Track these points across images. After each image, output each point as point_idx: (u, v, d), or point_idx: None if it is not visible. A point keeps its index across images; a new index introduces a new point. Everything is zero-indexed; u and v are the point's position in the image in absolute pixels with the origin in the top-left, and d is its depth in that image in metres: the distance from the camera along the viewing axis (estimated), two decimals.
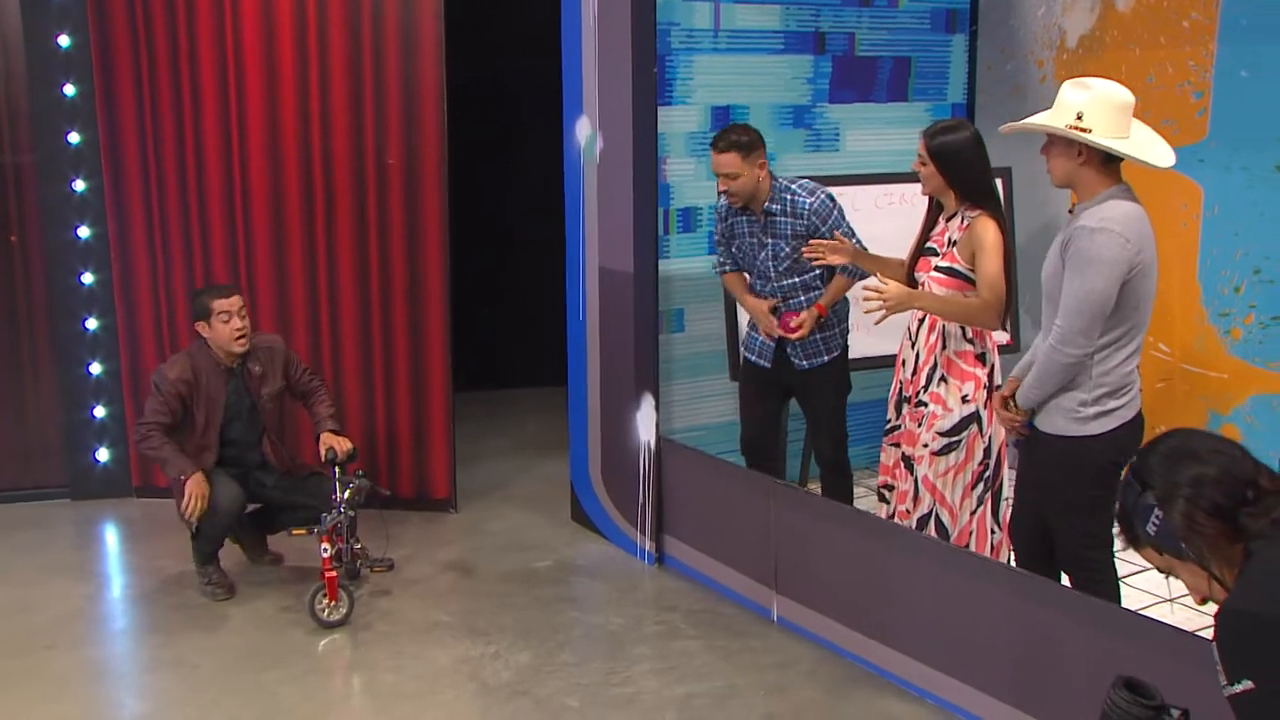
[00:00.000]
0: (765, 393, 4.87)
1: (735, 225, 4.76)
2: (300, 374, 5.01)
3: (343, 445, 4.78)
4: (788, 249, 4.61)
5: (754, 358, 4.84)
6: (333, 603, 4.51)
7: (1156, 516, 2.12)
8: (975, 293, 4.03)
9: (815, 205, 4.58)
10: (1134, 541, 2.21)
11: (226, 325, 4.73)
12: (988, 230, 4.00)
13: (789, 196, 4.60)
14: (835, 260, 4.43)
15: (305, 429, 5.42)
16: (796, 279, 4.67)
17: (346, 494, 4.61)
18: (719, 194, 4.66)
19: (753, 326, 4.84)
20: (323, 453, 4.79)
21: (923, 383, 4.16)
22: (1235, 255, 4.84)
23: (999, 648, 3.67)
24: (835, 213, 4.60)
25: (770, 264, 4.66)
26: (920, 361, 4.18)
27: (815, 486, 5.19)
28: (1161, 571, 2.23)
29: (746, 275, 4.83)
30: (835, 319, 4.71)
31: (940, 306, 4.05)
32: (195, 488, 4.59)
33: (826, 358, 4.71)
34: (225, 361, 4.81)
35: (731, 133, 4.57)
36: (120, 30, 5.68)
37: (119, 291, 5.90)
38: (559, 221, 5.48)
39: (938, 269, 4.10)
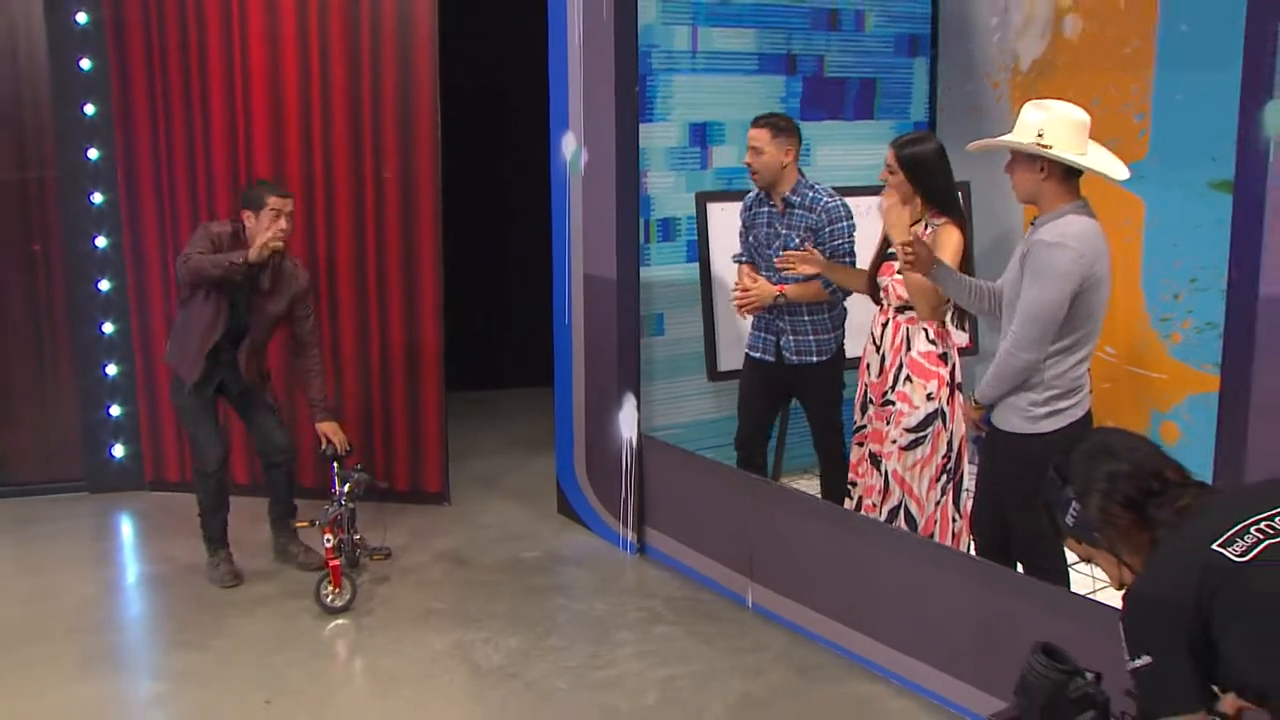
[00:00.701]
0: (764, 390, 4.82)
1: (756, 215, 4.73)
2: (303, 318, 4.81)
3: (340, 439, 4.74)
4: (797, 240, 4.57)
5: (756, 353, 4.78)
6: (336, 589, 4.49)
7: (1074, 509, 2.21)
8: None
9: (831, 205, 4.56)
10: (1057, 532, 2.31)
11: (274, 222, 4.55)
12: (951, 235, 4.03)
13: (810, 192, 4.59)
14: (806, 270, 4.43)
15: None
16: (800, 275, 4.57)
17: (347, 488, 4.59)
18: (746, 165, 4.62)
19: (755, 326, 4.79)
20: (322, 444, 4.75)
21: (890, 383, 4.17)
22: (1174, 265, 4.86)
23: (960, 631, 3.68)
24: (844, 222, 4.57)
25: (781, 254, 4.59)
26: (886, 364, 4.19)
27: (795, 481, 5.21)
28: (1082, 559, 2.30)
29: (754, 270, 4.75)
30: (830, 324, 4.66)
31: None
32: (254, 251, 4.45)
33: (816, 358, 4.64)
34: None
35: (773, 115, 4.62)
36: (137, 56, 5.67)
37: (133, 297, 5.87)
38: (547, 231, 5.47)
39: (902, 272, 4.11)
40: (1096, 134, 3.52)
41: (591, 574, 4.96)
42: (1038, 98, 3.78)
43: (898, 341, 4.15)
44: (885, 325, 4.21)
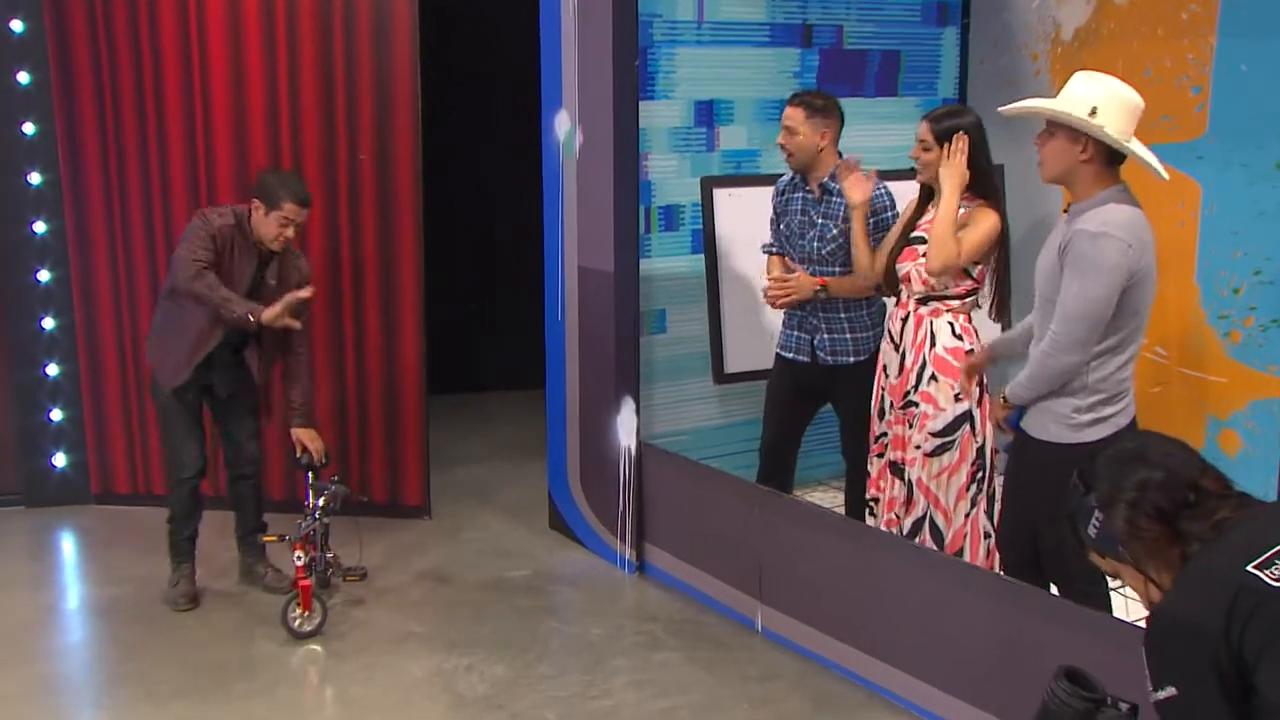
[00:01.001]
0: (796, 393, 4.85)
1: (790, 201, 4.76)
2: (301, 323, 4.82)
3: (317, 447, 4.76)
4: (835, 230, 4.60)
5: (788, 354, 4.81)
6: (306, 613, 4.53)
7: (1097, 519, 2.20)
8: (965, 282, 4.12)
9: (874, 195, 4.55)
10: (1080, 545, 2.29)
11: (281, 228, 4.54)
12: (987, 217, 4.07)
13: None
14: (795, 299, 4.57)
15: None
16: (838, 268, 4.64)
17: (322, 501, 4.63)
18: (780, 145, 4.67)
19: (786, 324, 4.83)
20: (297, 452, 4.78)
21: (911, 382, 4.21)
22: (1234, 255, 4.88)
23: (987, 659, 3.72)
24: (889, 213, 4.60)
25: (816, 244, 4.65)
26: (908, 362, 4.23)
27: (809, 494, 5.25)
28: (1111, 576, 2.31)
29: (788, 261, 4.80)
30: (869, 321, 4.70)
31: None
32: (271, 313, 4.49)
33: (853, 359, 4.67)
34: (259, 245, 4.63)
35: (809, 92, 4.67)
36: (77, 15, 5.69)
37: (78, 289, 5.90)
38: (537, 219, 5.52)
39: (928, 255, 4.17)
40: (1148, 110, 3.53)
41: (585, 595, 5.01)
42: (1081, 70, 3.81)
43: (920, 337, 4.19)
44: (905, 320, 4.25)
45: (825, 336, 4.70)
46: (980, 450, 4.17)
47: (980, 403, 4.15)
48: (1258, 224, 4.78)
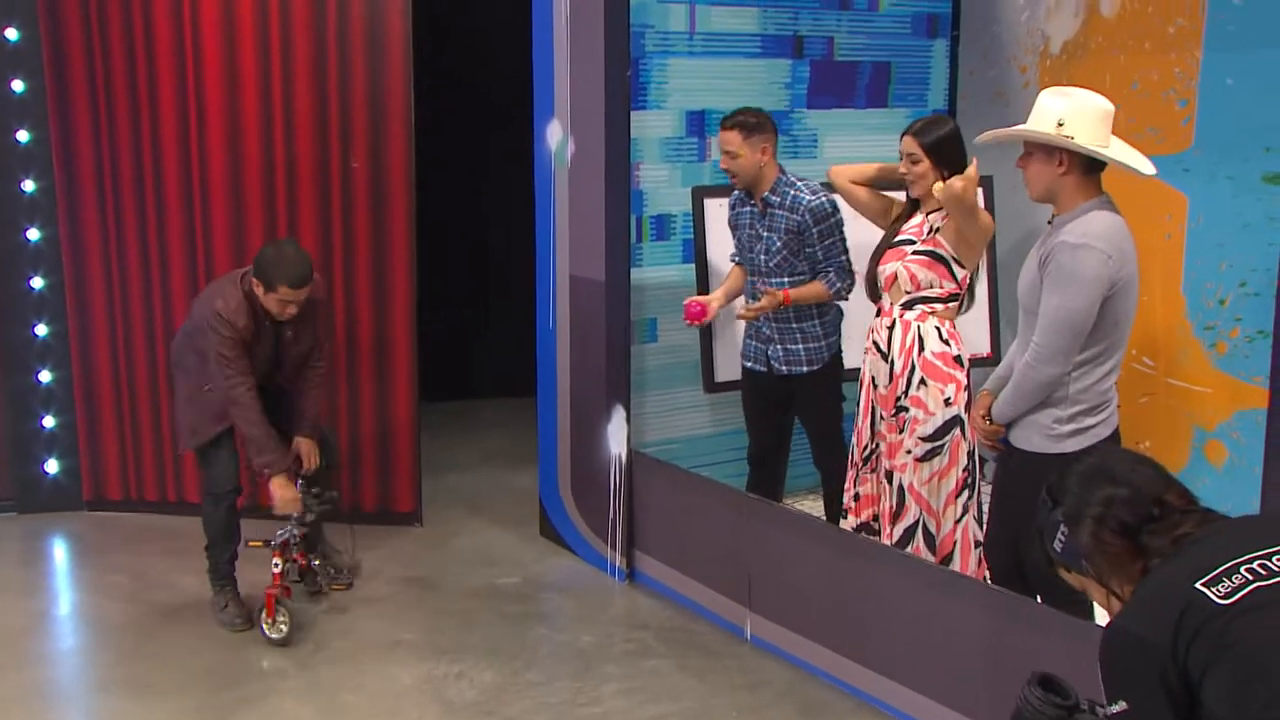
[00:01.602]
0: (766, 402, 4.93)
1: (739, 215, 4.85)
2: (318, 337, 4.89)
3: (313, 462, 4.78)
4: (779, 243, 4.68)
5: (748, 363, 4.92)
6: (270, 619, 4.56)
7: (1063, 534, 2.25)
8: (949, 284, 4.18)
9: (814, 204, 4.64)
10: (1046, 558, 2.34)
11: (281, 308, 4.55)
12: (984, 213, 4.16)
13: (791, 191, 4.68)
14: (767, 310, 4.63)
15: None
16: (786, 278, 4.72)
17: (309, 514, 4.67)
18: (723, 170, 4.77)
19: (746, 333, 4.92)
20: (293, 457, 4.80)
21: (901, 388, 4.25)
22: (1220, 267, 4.91)
23: (975, 667, 3.76)
24: (831, 219, 4.66)
25: (763, 257, 4.73)
26: (897, 369, 4.27)
27: (799, 502, 5.29)
28: (1077, 589, 2.34)
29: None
30: (821, 330, 4.77)
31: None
32: (285, 497, 4.57)
33: (807, 368, 4.75)
34: (271, 317, 4.65)
35: (740, 113, 4.69)
36: (73, 23, 5.71)
37: (71, 296, 5.92)
38: (529, 228, 5.55)
39: (918, 253, 4.21)
40: (1135, 122, 3.58)
41: (575, 602, 5.04)
42: (1069, 82, 3.83)
43: (908, 342, 4.23)
44: (892, 327, 4.29)
45: (779, 346, 4.78)
46: (971, 455, 4.21)
47: (968, 409, 4.19)
48: (1243, 236, 4.82)
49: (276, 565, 4.58)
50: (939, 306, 4.25)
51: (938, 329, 4.21)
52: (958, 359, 4.21)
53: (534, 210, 5.52)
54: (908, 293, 4.25)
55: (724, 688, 4.26)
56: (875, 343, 4.35)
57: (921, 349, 4.21)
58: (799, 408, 4.89)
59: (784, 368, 4.78)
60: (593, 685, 4.28)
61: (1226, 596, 1.98)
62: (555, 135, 5.34)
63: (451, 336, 7.58)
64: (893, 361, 4.26)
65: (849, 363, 4.84)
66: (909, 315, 4.26)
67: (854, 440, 4.50)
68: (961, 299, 4.30)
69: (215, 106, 5.63)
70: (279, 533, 4.62)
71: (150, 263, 5.85)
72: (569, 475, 5.53)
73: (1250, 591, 1.97)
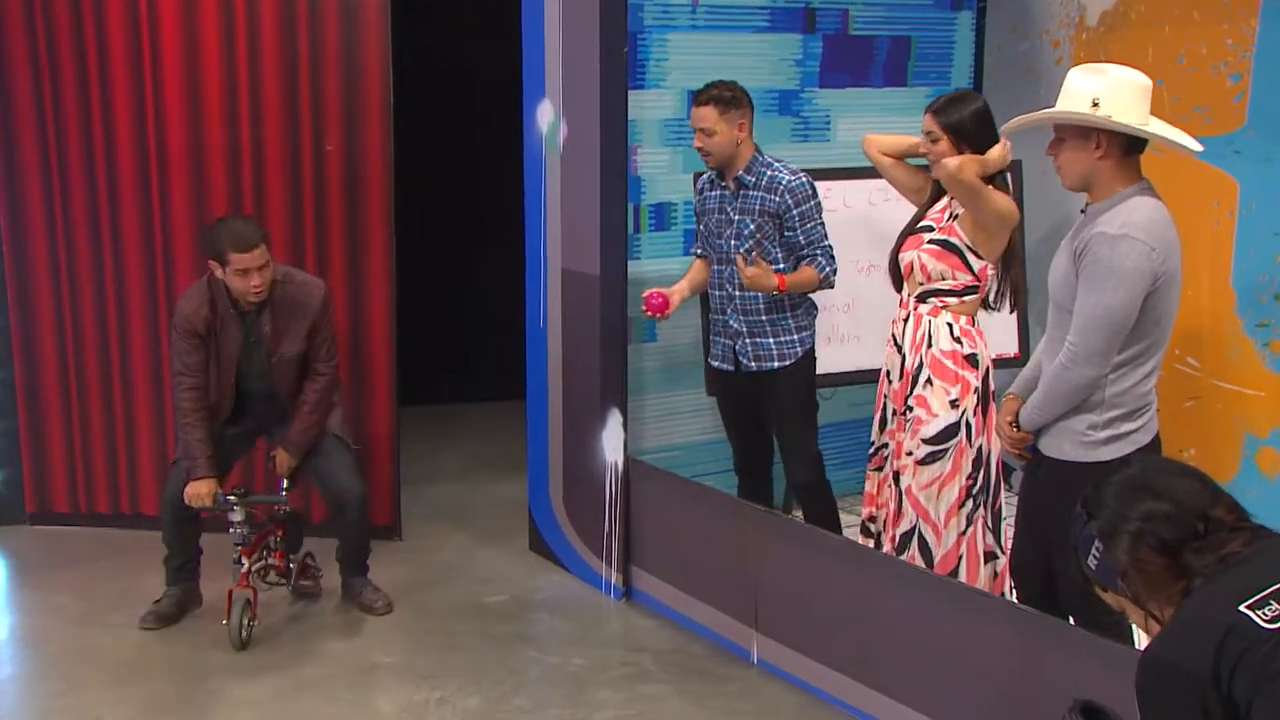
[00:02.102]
0: (740, 405, 4.98)
1: (707, 200, 4.88)
2: (319, 343, 4.90)
3: (285, 471, 4.90)
4: (752, 226, 4.71)
5: (715, 362, 4.96)
6: (224, 622, 4.68)
7: (1098, 550, 2.27)
8: (964, 275, 4.19)
9: (794, 184, 4.68)
10: (1080, 576, 2.37)
11: (243, 280, 4.63)
12: (1011, 204, 4.15)
13: (768, 171, 4.71)
14: (762, 288, 4.63)
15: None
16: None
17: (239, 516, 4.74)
18: (696, 149, 4.78)
19: (711, 331, 4.96)
20: (269, 460, 4.93)
21: (909, 388, 4.28)
22: (1276, 258, 4.91)
23: (1000, 693, 3.77)
24: (812, 202, 4.71)
25: (733, 243, 4.76)
26: (906, 365, 4.29)
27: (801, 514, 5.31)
28: (1115, 608, 2.37)
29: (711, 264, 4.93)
30: (793, 325, 4.79)
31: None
32: (193, 491, 4.68)
33: (778, 364, 4.78)
34: (240, 305, 4.77)
35: (714, 87, 4.70)
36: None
37: (13, 289, 5.90)
38: (518, 217, 5.57)
39: (932, 242, 4.24)
40: (1181, 101, 3.55)
41: (568, 622, 5.06)
42: (1107, 57, 3.81)
43: (918, 338, 4.26)
44: (906, 320, 4.33)
45: (747, 341, 4.81)
46: (977, 463, 4.22)
47: (980, 411, 4.21)
48: None
49: (242, 565, 4.67)
50: (952, 300, 4.26)
51: (950, 325, 4.23)
52: (970, 358, 4.22)
53: (523, 198, 5.53)
54: (920, 284, 4.28)
55: (726, 714, 4.28)
56: (893, 335, 4.39)
57: (929, 345, 4.23)
58: (768, 410, 4.92)
59: (753, 364, 4.81)
60: (585, 712, 4.29)
61: (1273, 621, 2.00)
62: (546, 117, 5.35)
63: (432, 335, 7.58)
64: (904, 356, 4.30)
65: (867, 360, 4.84)
66: (922, 309, 4.29)
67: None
68: (982, 292, 4.30)
69: (173, 79, 5.63)
70: (233, 532, 4.72)
71: (102, 253, 5.85)
72: (560, 485, 5.55)
73: None
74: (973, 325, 4.29)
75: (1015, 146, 4.49)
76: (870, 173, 5.06)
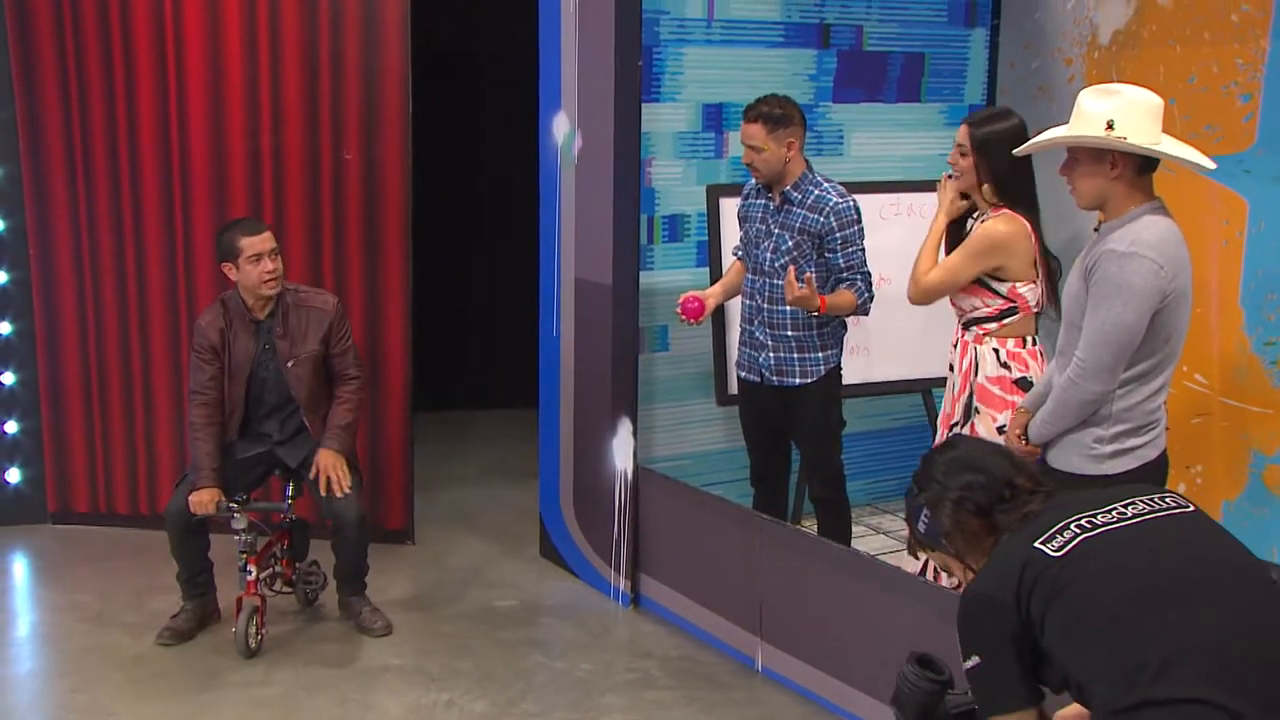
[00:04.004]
0: (761, 416, 4.94)
1: (752, 207, 4.84)
2: (339, 355, 4.90)
3: (343, 483, 4.76)
4: (790, 243, 4.66)
5: (742, 372, 4.92)
6: (234, 628, 4.66)
7: (925, 516, 2.67)
8: (994, 301, 4.12)
9: (840, 207, 4.61)
10: (915, 541, 2.78)
11: (256, 267, 4.67)
12: (991, 226, 4.05)
13: (815, 190, 4.65)
14: (805, 305, 4.55)
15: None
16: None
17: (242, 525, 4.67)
18: (745, 165, 4.74)
19: (740, 341, 4.92)
20: (312, 472, 4.78)
21: (959, 415, 4.21)
22: None
23: None
24: (856, 226, 4.65)
25: (769, 256, 4.71)
26: (957, 390, 4.24)
27: (812, 524, 5.28)
28: (942, 570, 2.79)
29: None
30: (819, 344, 4.74)
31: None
32: (196, 499, 4.65)
33: (799, 380, 4.74)
34: (254, 311, 4.79)
35: (764, 103, 4.62)
36: (44, 14, 5.71)
37: (38, 292, 5.94)
38: (532, 228, 5.57)
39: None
40: (1192, 119, 3.54)
41: (576, 628, 5.05)
42: (1119, 76, 3.79)
43: (966, 365, 4.19)
44: (956, 346, 4.25)
45: (770, 355, 4.77)
46: None
47: None
48: None
49: (249, 573, 4.63)
50: (993, 325, 4.16)
51: (995, 351, 4.12)
52: (1019, 383, 4.10)
53: (537, 208, 5.53)
54: (960, 314, 4.23)
55: None
56: (950, 362, 4.31)
57: (977, 372, 4.15)
58: (791, 425, 4.88)
59: (775, 378, 4.77)
60: (592, 716, 4.28)
61: (1059, 550, 2.37)
62: (562, 128, 5.35)
63: (447, 342, 7.60)
64: (954, 381, 4.24)
65: (876, 373, 4.80)
66: (967, 337, 4.21)
67: None
68: (1026, 310, 4.13)
69: (196, 89, 5.66)
70: (237, 540, 4.66)
71: (125, 259, 5.87)
72: (571, 492, 5.54)
73: (1079, 543, 2.37)
74: (1024, 346, 4.14)
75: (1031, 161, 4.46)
76: (882, 187, 5.06)
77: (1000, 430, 4.08)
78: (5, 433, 6.03)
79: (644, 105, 5.03)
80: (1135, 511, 2.43)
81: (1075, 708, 2.52)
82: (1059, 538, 2.39)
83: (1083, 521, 2.40)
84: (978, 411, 4.14)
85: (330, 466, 4.75)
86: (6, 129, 5.82)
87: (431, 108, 6.13)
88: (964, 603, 2.47)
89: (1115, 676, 2.23)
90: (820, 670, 4.34)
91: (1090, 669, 2.28)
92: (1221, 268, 5.01)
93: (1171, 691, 2.17)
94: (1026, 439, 3.69)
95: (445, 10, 6.72)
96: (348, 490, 4.75)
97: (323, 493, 4.75)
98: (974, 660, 2.43)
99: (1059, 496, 2.60)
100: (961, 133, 4.18)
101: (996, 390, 4.12)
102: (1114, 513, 2.42)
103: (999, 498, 2.59)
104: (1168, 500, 2.48)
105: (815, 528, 4.96)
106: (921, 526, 2.68)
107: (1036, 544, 2.39)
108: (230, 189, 5.72)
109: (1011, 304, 4.13)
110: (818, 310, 4.58)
